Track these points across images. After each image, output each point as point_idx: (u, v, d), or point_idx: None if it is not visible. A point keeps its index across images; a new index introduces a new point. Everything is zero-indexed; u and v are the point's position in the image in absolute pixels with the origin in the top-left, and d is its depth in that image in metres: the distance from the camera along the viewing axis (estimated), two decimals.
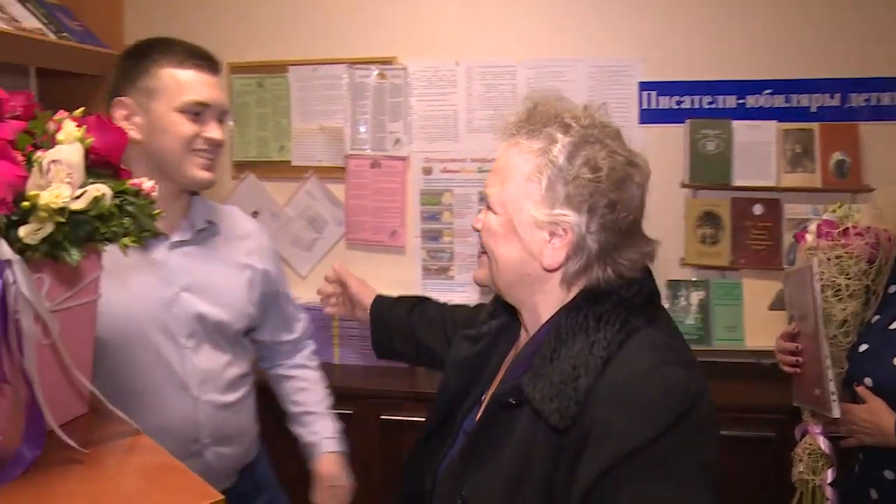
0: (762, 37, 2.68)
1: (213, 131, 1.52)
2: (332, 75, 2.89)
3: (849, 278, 1.60)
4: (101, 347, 1.37)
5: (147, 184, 0.97)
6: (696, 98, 2.72)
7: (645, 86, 2.75)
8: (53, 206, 0.78)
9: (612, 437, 0.94)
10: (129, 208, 0.90)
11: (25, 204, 0.78)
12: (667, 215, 2.75)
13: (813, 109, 2.67)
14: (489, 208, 1.13)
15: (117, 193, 0.90)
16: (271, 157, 2.96)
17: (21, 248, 0.81)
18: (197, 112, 1.50)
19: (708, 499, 0.96)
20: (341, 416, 2.48)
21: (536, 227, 1.07)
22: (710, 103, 2.72)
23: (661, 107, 2.75)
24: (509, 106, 2.81)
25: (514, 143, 1.11)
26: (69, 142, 0.85)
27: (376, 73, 2.87)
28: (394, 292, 2.83)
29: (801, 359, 1.72)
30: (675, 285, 2.72)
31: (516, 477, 1.01)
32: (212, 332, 1.57)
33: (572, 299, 1.09)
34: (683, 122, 2.70)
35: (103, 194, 0.85)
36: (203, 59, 1.53)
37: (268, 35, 2.91)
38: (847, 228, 1.62)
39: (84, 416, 1.06)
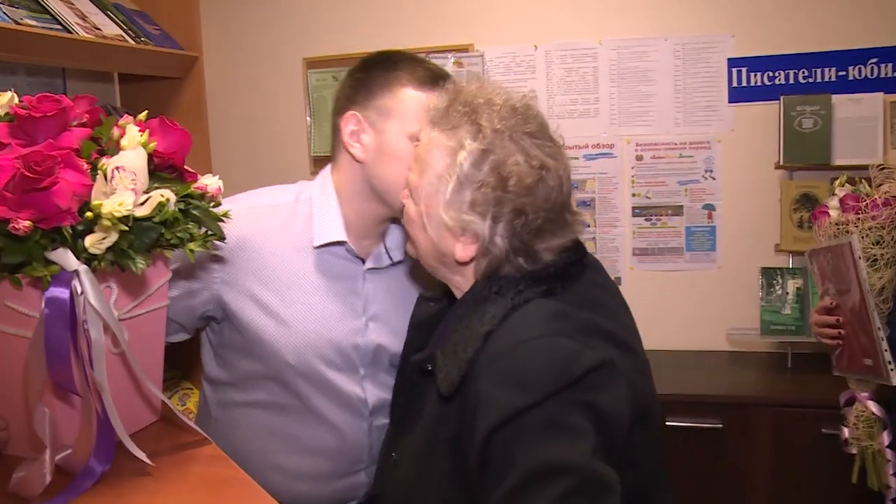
0: (863, 1, 2.49)
1: None
2: None
3: (882, 248, 1.61)
4: (287, 367, 1.37)
5: (212, 186, 0.93)
6: (791, 73, 2.56)
7: (734, 62, 2.61)
8: (117, 214, 0.76)
9: (489, 406, 0.92)
10: (195, 212, 0.86)
11: (89, 214, 0.76)
12: (760, 199, 2.63)
13: None
14: (410, 194, 1.14)
15: (182, 197, 0.86)
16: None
17: (87, 258, 0.78)
18: None
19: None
20: None
21: (444, 227, 1.06)
22: (806, 77, 2.55)
23: (752, 84, 2.61)
24: (591, 90, 2.71)
25: (433, 132, 1.10)
26: (132, 147, 0.83)
27: (452, 60, 2.82)
28: None
29: (842, 331, 1.73)
30: (769, 273, 2.57)
31: (431, 439, 1.04)
32: (386, 364, 1.46)
33: (486, 269, 1.08)
34: (777, 100, 2.53)
35: (167, 199, 0.82)
36: (445, 82, 1.34)
37: (342, 28, 2.89)
38: (874, 199, 1.63)
39: (153, 424, 1.04)
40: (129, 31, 2.40)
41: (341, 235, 1.38)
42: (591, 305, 1.05)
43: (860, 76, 2.52)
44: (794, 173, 2.57)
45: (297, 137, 2.98)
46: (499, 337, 0.97)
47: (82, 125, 0.89)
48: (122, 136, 0.84)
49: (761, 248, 2.63)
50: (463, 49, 2.81)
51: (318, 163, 2.98)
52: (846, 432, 1.77)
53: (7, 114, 0.87)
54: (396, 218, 1.44)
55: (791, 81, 2.57)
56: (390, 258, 1.47)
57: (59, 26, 2.11)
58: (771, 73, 2.58)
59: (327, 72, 2.93)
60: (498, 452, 0.90)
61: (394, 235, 1.48)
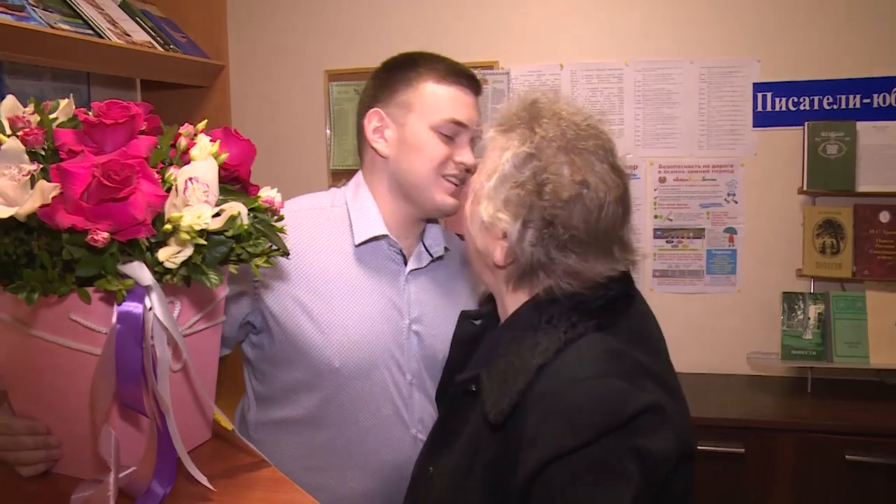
0: (889, 30, 2.49)
1: (466, 155, 1.38)
2: None
3: None
4: (331, 373, 1.34)
5: (277, 199, 0.90)
6: (816, 99, 2.56)
7: (760, 87, 2.60)
8: (196, 227, 0.72)
9: (539, 443, 0.91)
10: (259, 226, 0.83)
11: (167, 227, 0.72)
12: (782, 223, 2.62)
13: None
14: (474, 192, 1.14)
15: (249, 211, 0.83)
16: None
17: (160, 273, 0.75)
18: (449, 133, 1.38)
19: None
20: None
21: (481, 223, 1.07)
22: (831, 104, 2.55)
23: (777, 109, 2.60)
24: (616, 111, 2.70)
25: (492, 133, 1.11)
26: (203, 157, 0.79)
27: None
28: None
29: None
30: (791, 298, 2.55)
31: (468, 460, 1.02)
32: (432, 368, 1.44)
33: (535, 295, 1.06)
34: (801, 125, 2.53)
35: (239, 213, 0.78)
36: (466, 78, 1.41)
37: (365, 42, 2.88)
38: None
39: (206, 442, 1.01)
40: (158, 38, 2.39)
41: (382, 229, 1.39)
42: (639, 340, 1.04)
43: (885, 104, 2.52)
44: (817, 199, 2.56)
45: (317, 150, 2.96)
46: (553, 372, 0.96)
47: (142, 133, 0.85)
48: (190, 146, 0.81)
49: (783, 272, 2.61)
50: (488, 66, 2.79)
51: (336, 176, 2.95)
52: None
53: (71, 120, 0.85)
54: (430, 218, 1.46)
55: (816, 108, 2.56)
56: (430, 255, 1.47)
57: (91, 31, 2.09)
58: (796, 99, 2.57)
59: (349, 85, 2.91)
60: (543, 490, 0.90)
61: (432, 234, 1.49)
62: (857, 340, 2.50)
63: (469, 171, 1.37)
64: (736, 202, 2.66)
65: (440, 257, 1.48)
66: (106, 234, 0.72)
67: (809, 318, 2.53)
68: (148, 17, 2.45)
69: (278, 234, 0.89)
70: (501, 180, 1.04)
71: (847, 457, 2.16)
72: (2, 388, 0.98)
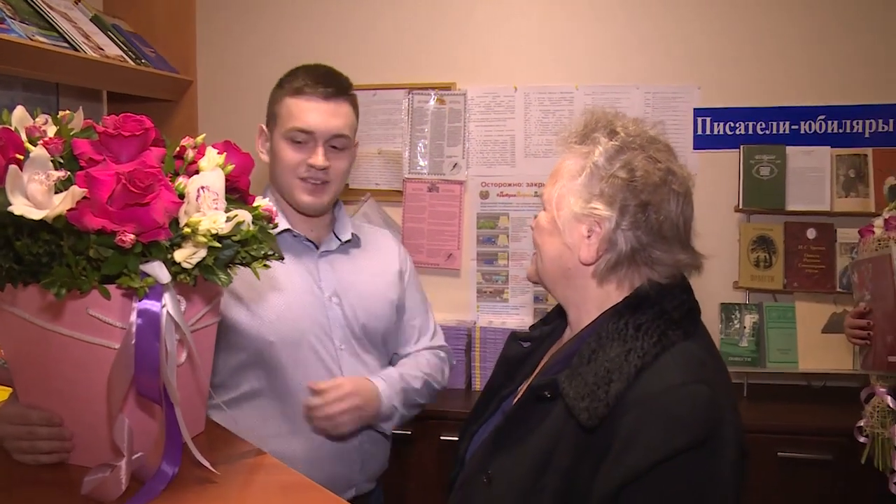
0: (816, 64, 2.68)
1: (315, 158, 1.55)
2: (391, 100, 2.93)
3: None
4: (268, 347, 1.51)
5: (272, 206, 1.00)
6: (751, 124, 2.72)
7: (700, 112, 2.76)
8: (213, 231, 0.79)
9: (637, 446, 0.96)
10: (259, 234, 0.91)
11: (187, 230, 0.79)
12: (720, 239, 2.74)
13: (866, 135, 2.66)
14: (543, 206, 1.19)
15: (253, 219, 0.91)
16: None
17: (174, 272, 0.81)
18: (300, 140, 1.54)
19: None
20: (401, 438, 2.49)
21: (574, 220, 1.11)
22: (763, 129, 2.72)
23: (715, 132, 2.75)
24: None
25: (567, 148, 1.17)
26: (211, 168, 0.86)
27: (435, 98, 2.90)
28: (449, 315, 2.86)
29: (871, 332, 1.94)
30: (728, 308, 2.70)
31: (540, 466, 1.04)
32: (359, 336, 1.63)
33: (615, 305, 1.11)
34: (738, 148, 2.70)
35: (244, 220, 0.86)
36: (318, 86, 1.56)
37: (329, 60, 2.87)
38: None
39: (200, 434, 1.06)
40: (130, 53, 2.42)
41: (285, 224, 1.58)
42: (713, 352, 1.12)
43: (811, 130, 2.69)
44: (751, 216, 2.72)
45: None
46: (649, 377, 1.00)
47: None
48: (197, 158, 0.87)
49: (721, 284, 2.73)
50: (446, 87, 2.90)
51: None
52: (862, 422, 1.99)
53: (84, 131, 0.91)
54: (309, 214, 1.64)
55: (750, 132, 2.72)
56: (339, 239, 1.66)
57: (66, 44, 2.12)
58: (732, 124, 2.73)
59: None
60: (643, 493, 0.95)
61: (340, 223, 1.69)
62: (787, 347, 2.65)
63: (323, 170, 1.57)
64: None
65: (348, 241, 1.67)
66: (133, 236, 0.78)
67: (745, 327, 2.68)
68: (119, 31, 2.48)
69: (272, 240, 0.96)
70: (592, 174, 1.09)
71: (779, 454, 2.31)
72: (8, 381, 1.02)
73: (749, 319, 2.68)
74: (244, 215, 0.86)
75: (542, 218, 1.18)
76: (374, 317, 1.66)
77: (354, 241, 1.70)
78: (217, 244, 0.82)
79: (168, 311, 0.81)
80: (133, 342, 0.81)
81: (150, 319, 0.81)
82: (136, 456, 0.86)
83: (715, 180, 2.74)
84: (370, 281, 1.68)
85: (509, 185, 2.86)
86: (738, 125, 2.73)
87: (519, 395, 1.22)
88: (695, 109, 2.75)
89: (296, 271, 1.58)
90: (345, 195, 2.91)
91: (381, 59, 2.94)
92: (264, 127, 1.63)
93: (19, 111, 0.92)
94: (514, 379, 1.29)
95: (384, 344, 1.72)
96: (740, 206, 2.67)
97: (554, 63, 2.83)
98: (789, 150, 2.65)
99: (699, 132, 2.75)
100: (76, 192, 0.76)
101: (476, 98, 2.88)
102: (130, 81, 2.42)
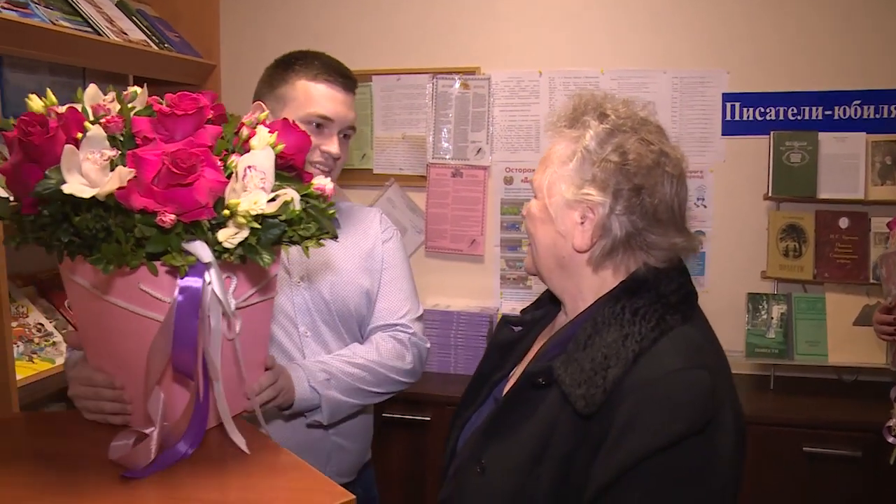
0: (850, 46, 2.67)
1: (332, 146, 1.59)
2: (415, 85, 2.97)
3: None
4: None
5: (328, 187, 1.02)
6: (781, 109, 2.73)
7: (728, 97, 2.77)
8: (252, 212, 0.83)
9: (637, 431, 0.96)
10: (311, 211, 0.95)
11: (226, 212, 0.83)
12: (748, 227, 2.77)
13: None
14: (533, 195, 1.19)
15: (302, 197, 0.95)
16: (353, 165, 3.03)
17: (219, 251, 0.86)
18: (318, 124, 1.58)
19: None
20: (419, 423, 2.54)
21: (567, 206, 1.10)
22: (795, 115, 2.72)
23: (744, 118, 2.76)
24: None
25: (557, 133, 1.16)
26: (261, 147, 0.90)
27: (459, 82, 2.94)
28: (472, 301, 2.91)
29: None
30: (755, 298, 2.71)
31: (536, 454, 1.05)
32: (329, 320, 1.64)
33: (611, 290, 1.11)
34: (767, 134, 2.70)
35: (292, 199, 0.90)
36: (338, 76, 1.60)
37: (352, 45, 2.98)
38: None
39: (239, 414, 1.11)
40: (153, 37, 2.47)
41: None
42: (710, 333, 1.13)
43: (844, 116, 2.69)
44: (781, 204, 2.72)
45: None
46: (649, 361, 1.01)
47: (210, 122, 0.96)
48: (251, 137, 0.92)
49: (748, 274, 2.76)
50: (470, 71, 2.93)
51: None
52: (892, 422, 1.99)
53: (146, 109, 0.96)
54: None
55: (781, 118, 2.73)
56: None
57: (90, 28, 2.18)
58: (762, 109, 2.74)
59: None
60: (644, 477, 0.96)
61: None
62: (816, 339, 2.65)
63: (336, 159, 1.60)
64: (705, 206, 2.82)
65: None
66: (173, 217, 0.82)
67: (772, 318, 2.69)
68: (143, 16, 2.54)
69: (328, 218, 1.00)
70: (583, 159, 1.09)
71: (804, 448, 2.31)
72: (81, 345, 1.10)
73: (777, 310, 2.69)
74: (291, 194, 0.90)
75: (533, 206, 1.17)
76: (342, 300, 1.65)
77: (333, 222, 1.69)
78: (257, 225, 0.86)
79: (213, 289, 0.86)
80: (174, 317, 0.86)
81: (190, 297, 0.85)
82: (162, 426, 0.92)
83: (743, 167, 2.75)
84: (342, 262, 1.67)
85: (534, 170, 2.87)
86: (768, 110, 2.73)
87: (512, 382, 1.22)
88: (723, 94, 2.76)
89: None
90: (369, 180, 3.01)
91: (406, 43, 2.97)
92: (263, 104, 1.61)
93: (92, 89, 0.98)
94: (506, 364, 1.29)
95: (359, 326, 1.71)
96: (769, 194, 2.67)
97: (579, 47, 2.85)
98: (822, 136, 2.64)
99: (728, 118, 2.76)
100: (123, 172, 0.80)
101: (500, 83, 2.91)
102: (154, 65, 2.47)
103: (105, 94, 0.96)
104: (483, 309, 2.89)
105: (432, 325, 2.79)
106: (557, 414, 1.04)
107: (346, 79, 1.62)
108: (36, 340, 2.03)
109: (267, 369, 1.32)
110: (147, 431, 0.92)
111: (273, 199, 0.88)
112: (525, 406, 1.10)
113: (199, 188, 0.83)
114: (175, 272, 0.88)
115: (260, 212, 0.85)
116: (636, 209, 1.07)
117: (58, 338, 2.09)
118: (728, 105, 2.77)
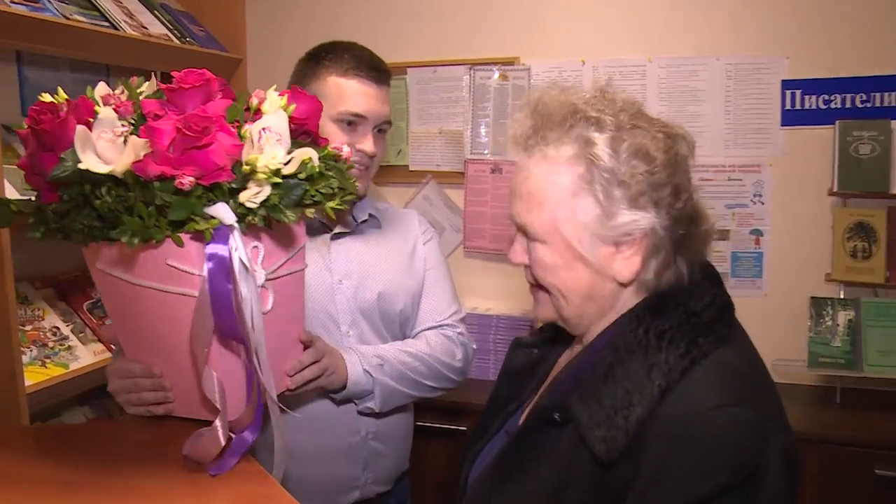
0: None
1: (366, 144, 1.59)
2: (452, 77, 2.94)
3: None
4: None
5: (345, 150, 1.04)
6: (848, 96, 2.63)
7: (789, 84, 2.68)
8: (271, 167, 0.83)
9: (668, 482, 0.86)
10: (331, 173, 0.97)
11: (246, 168, 0.83)
12: (811, 226, 2.67)
13: None
14: (531, 238, 1.03)
15: (320, 159, 0.95)
16: (388, 161, 3.01)
17: (242, 214, 0.85)
18: (350, 122, 1.57)
19: None
20: (456, 433, 2.48)
21: (601, 242, 0.98)
22: (864, 101, 2.62)
23: (806, 107, 2.68)
24: None
25: (535, 156, 1.01)
26: (273, 110, 0.90)
27: (498, 74, 2.90)
28: (513, 304, 2.84)
29: None
30: (819, 303, 2.61)
31: (552, 499, 0.95)
32: (372, 320, 1.64)
33: (631, 308, 1.01)
34: (832, 124, 2.60)
35: (310, 157, 0.88)
36: (370, 70, 1.59)
37: (386, 37, 2.96)
38: None
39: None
40: (175, 31, 2.48)
41: None
42: (752, 358, 1.01)
43: None
44: (848, 200, 2.62)
45: None
46: (677, 398, 0.90)
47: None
48: (261, 103, 0.91)
49: (811, 277, 2.67)
50: (509, 62, 2.90)
51: None
52: None
53: (155, 93, 0.98)
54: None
55: (848, 105, 2.63)
56: (354, 220, 1.67)
57: (106, 23, 2.17)
58: (827, 97, 2.65)
59: None
60: None
61: (359, 203, 1.69)
62: (889, 349, 2.52)
63: (371, 157, 1.60)
64: (763, 203, 2.73)
65: (364, 221, 1.69)
66: (192, 178, 0.84)
67: (838, 325, 2.57)
68: (166, 10, 2.55)
69: (348, 179, 1.00)
70: (608, 182, 0.95)
71: (877, 471, 2.17)
72: (115, 337, 1.13)
73: (843, 316, 2.58)
74: (309, 152, 0.90)
75: (543, 254, 1.02)
76: (385, 300, 1.66)
77: (373, 222, 1.72)
78: (278, 179, 0.86)
79: (239, 255, 0.85)
80: (207, 287, 0.84)
81: (220, 262, 0.86)
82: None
83: (805, 160, 2.67)
84: (385, 263, 1.69)
85: None
86: (833, 98, 2.64)
87: (525, 415, 1.13)
88: (783, 82, 2.67)
89: (307, 252, 1.59)
90: (405, 177, 3.00)
91: (441, 33, 2.96)
92: None
93: (101, 87, 0.99)
94: (522, 392, 1.20)
95: (401, 328, 1.72)
96: (835, 189, 2.57)
97: (625, 34, 2.80)
98: (894, 124, 2.53)
99: (788, 107, 2.68)
100: (136, 142, 0.83)
101: (541, 73, 2.86)
102: (178, 60, 2.47)
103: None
104: (524, 312, 2.84)
105: (470, 329, 2.65)
106: (573, 457, 0.95)
107: (378, 72, 1.61)
108: (50, 345, 2.06)
109: (306, 348, 1.31)
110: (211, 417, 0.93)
111: (290, 160, 0.86)
112: (537, 445, 1.00)
113: (216, 151, 0.86)
114: (202, 241, 0.88)
115: (279, 166, 0.84)
116: (677, 213, 0.98)
117: (73, 342, 2.10)
118: (788, 93, 2.68)
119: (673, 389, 0.90)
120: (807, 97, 2.66)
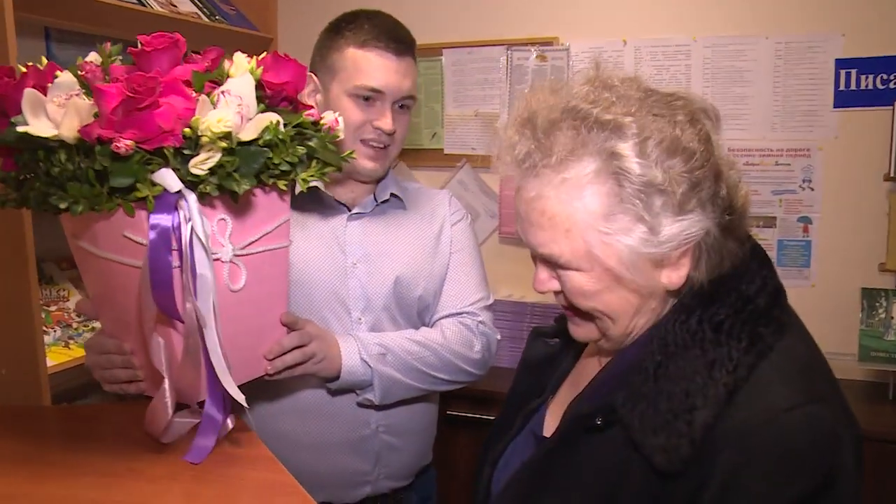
0: None
1: (384, 121, 1.50)
2: (488, 58, 2.89)
3: None
4: None
5: (329, 118, 0.97)
6: None
7: (843, 63, 2.55)
8: (215, 130, 0.78)
9: (742, 493, 0.79)
10: (310, 143, 0.90)
11: (187, 130, 0.79)
12: (865, 212, 2.56)
13: None
14: (563, 267, 0.91)
15: (294, 126, 0.89)
16: (423, 145, 2.99)
17: (193, 182, 0.81)
18: (367, 97, 1.50)
19: None
20: (486, 423, 2.45)
21: (650, 261, 0.88)
22: None
23: (862, 87, 2.55)
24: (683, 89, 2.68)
25: (544, 176, 0.88)
26: (239, 74, 0.86)
27: (535, 54, 2.85)
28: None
29: None
30: (871, 294, 2.49)
31: None
32: (388, 306, 1.56)
33: (680, 297, 0.92)
34: (891, 105, 2.47)
35: (273, 123, 0.84)
36: (389, 41, 1.50)
37: (421, 17, 2.91)
38: None
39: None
40: (204, 9, 2.49)
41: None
42: (812, 347, 0.93)
43: None
44: None
45: None
46: (750, 398, 0.82)
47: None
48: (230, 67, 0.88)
49: (863, 266, 2.56)
50: (547, 42, 2.83)
51: None
52: None
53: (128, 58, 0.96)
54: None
55: None
56: (375, 200, 1.60)
57: (135, 0, 2.19)
58: (885, 76, 2.52)
59: None
60: None
61: (383, 182, 1.62)
62: None
63: (389, 135, 1.51)
64: (812, 189, 2.62)
65: (385, 201, 1.61)
66: (129, 142, 0.79)
67: (892, 318, 2.48)
68: None
69: (332, 151, 0.93)
70: (647, 195, 0.84)
71: None
72: (94, 311, 1.10)
73: None
74: (271, 117, 0.84)
75: (581, 282, 0.90)
76: (404, 285, 1.57)
77: (396, 203, 1.63)
78: (225, 144, 0.82)
79: (193, 227, 0.81)
80: (147, 258, 0.82)
81: (162, 233, 0.82)
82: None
83: (860, 143, 2.55)
84: (405, 245, 1.60)
85: None
86: (891, 78, 2.50)
87: (552, 411, 1.06)
88: (836, 61, 2.55)
89: (317, 235, 1.54)
90: (440, 161, 2.97)
91: (477, 13, 2.90)
92: (316, 76, 1.52)
93: (91, 55, 0.99)
94: (543, 386, 1.12)
95: (420, 315, 1.62)
96: (892, 174, 2.45)
97: (668, 12, 2.70)
98: None
99: (842, 87, 2.55)
100: (79, 104, 0.79)
101: (580, 54, 2.79)
102: (206, 39, 2.47)
103: None
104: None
105: (503, 317, 2.70)
106: (624, 465, 0.86)
107: (398, 43, 1.51)
108: (74, 325, 2.08)
109: (291, 331, 1.25)
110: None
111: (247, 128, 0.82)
112: (579, 453, 0.92)
113: (163, 115, 0.82)
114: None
115: (225, 130, 0.78)
116: (722, 202, 0.88)
117: (97, 323, 2.10)
118: (842, 73, 2.56)
119: (741, 389, 0.83)
120: (863, 77, 2.53)
